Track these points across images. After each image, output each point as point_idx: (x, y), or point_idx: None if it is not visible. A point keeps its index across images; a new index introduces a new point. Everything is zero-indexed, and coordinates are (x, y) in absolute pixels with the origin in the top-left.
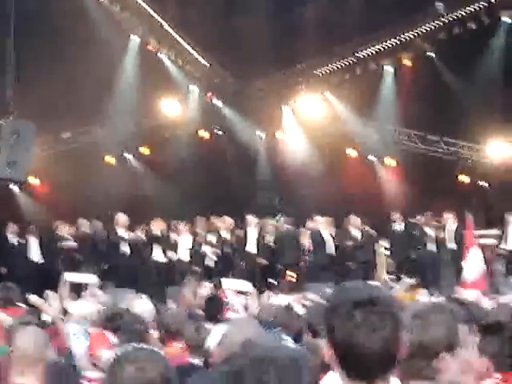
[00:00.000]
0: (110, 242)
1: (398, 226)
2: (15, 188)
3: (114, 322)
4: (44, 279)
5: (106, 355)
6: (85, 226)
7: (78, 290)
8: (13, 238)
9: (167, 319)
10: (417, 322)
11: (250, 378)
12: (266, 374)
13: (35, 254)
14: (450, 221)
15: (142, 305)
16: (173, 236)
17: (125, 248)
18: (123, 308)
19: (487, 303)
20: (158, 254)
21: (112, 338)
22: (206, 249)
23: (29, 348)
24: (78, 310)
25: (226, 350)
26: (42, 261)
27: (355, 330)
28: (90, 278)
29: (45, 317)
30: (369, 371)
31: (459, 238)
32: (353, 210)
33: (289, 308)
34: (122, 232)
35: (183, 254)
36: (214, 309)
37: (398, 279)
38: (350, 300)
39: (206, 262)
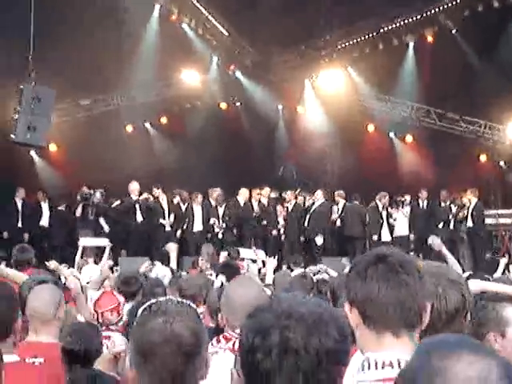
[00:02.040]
0: (123, 207)
1: (421, 204)
2: (33, 153)
3: (130, 285)
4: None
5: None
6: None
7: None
8: (19, 203)
9: (184, 284)
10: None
11: (274, 333)
12: (291, 329)
13: (45, 219)
14: (470, 199)
15: (158, 270)
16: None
17: (138, 216)
18: (140, 272)
19: None
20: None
21: (121, 299)
22: (213, 220)
23: (43, 306)
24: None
25: (227, 309)
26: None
27: (372, 282)
28: (103, 242)
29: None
30: (391, 321)
31: (477, 216)
32: (370, 185)
33: (304, 275)
34: (134, 199)
35: (198, 224)
36: (230, 275)
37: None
38: (367, 257)
39: (216, 234)
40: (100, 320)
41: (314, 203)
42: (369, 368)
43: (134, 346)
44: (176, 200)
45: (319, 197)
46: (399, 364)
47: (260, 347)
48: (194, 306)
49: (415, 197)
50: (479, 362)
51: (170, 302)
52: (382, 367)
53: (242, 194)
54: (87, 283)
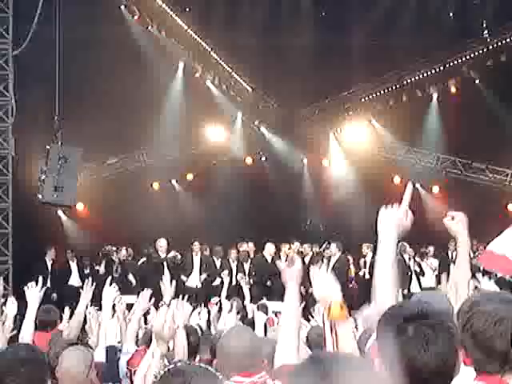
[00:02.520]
0: (151, 265)
1: (450, 254)
2: (61, 213)
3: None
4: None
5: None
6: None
7: None
8: (49, 263)
9: (215, 341)
10: None
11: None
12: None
13: (75, 278)
14: None
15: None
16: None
17: (166, 273)
18: None
19: None
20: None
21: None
22: (240, 276)
23: (75, 367)
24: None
25: (221, 357)
26: (81, 284)
27: (407, 344)
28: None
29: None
30: None
31: None
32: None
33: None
34: (162, 257)
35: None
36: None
37: None
38: (401, 314)
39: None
40: (133, 378)
41: (330, 257)
42: None
43: None
44: (207, 254)
45: (334, 251)
46: None
47: None
48: (211, 369)
49: (445, 248)
50: None
51: (189, 364)
52: None
53: (267, 250)
54: None
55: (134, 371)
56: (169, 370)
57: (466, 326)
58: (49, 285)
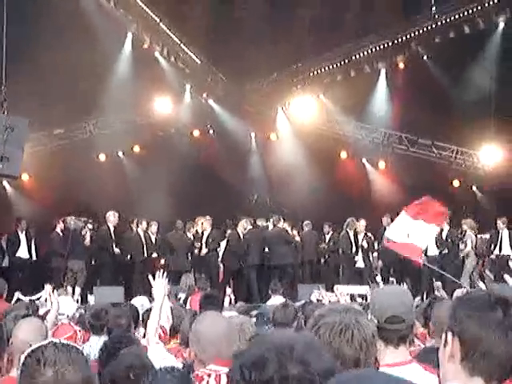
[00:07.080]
0: (101, 238)
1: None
2: (6, 184)
3: (100, 319)
4: (34, 274)
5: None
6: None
7: None
8: None
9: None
10: None
11: (272, 363)
12: (287, 358)
13: (23, 250)
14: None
15: (138, 302)
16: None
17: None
18: (109, 305)
19: None
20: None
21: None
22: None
23: (31, 339)
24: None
25: (197, 345)
26: (28, 256)
27: (487, 329)
28: None
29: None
30: (497, 372)
31: (451, 242)
32: (343, 211)
33: (286, 305)
34: (111, 230)
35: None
36: (211, 306)
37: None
38: (485, 297)
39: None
40: None
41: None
42: None
43: None
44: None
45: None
46: None
47: (259, 380)
48: (80, 348)
49: (381, 223)
50: None
51: (57, 349)
52: None
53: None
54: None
55: None
56: (36, 355)
57: None
58: None
